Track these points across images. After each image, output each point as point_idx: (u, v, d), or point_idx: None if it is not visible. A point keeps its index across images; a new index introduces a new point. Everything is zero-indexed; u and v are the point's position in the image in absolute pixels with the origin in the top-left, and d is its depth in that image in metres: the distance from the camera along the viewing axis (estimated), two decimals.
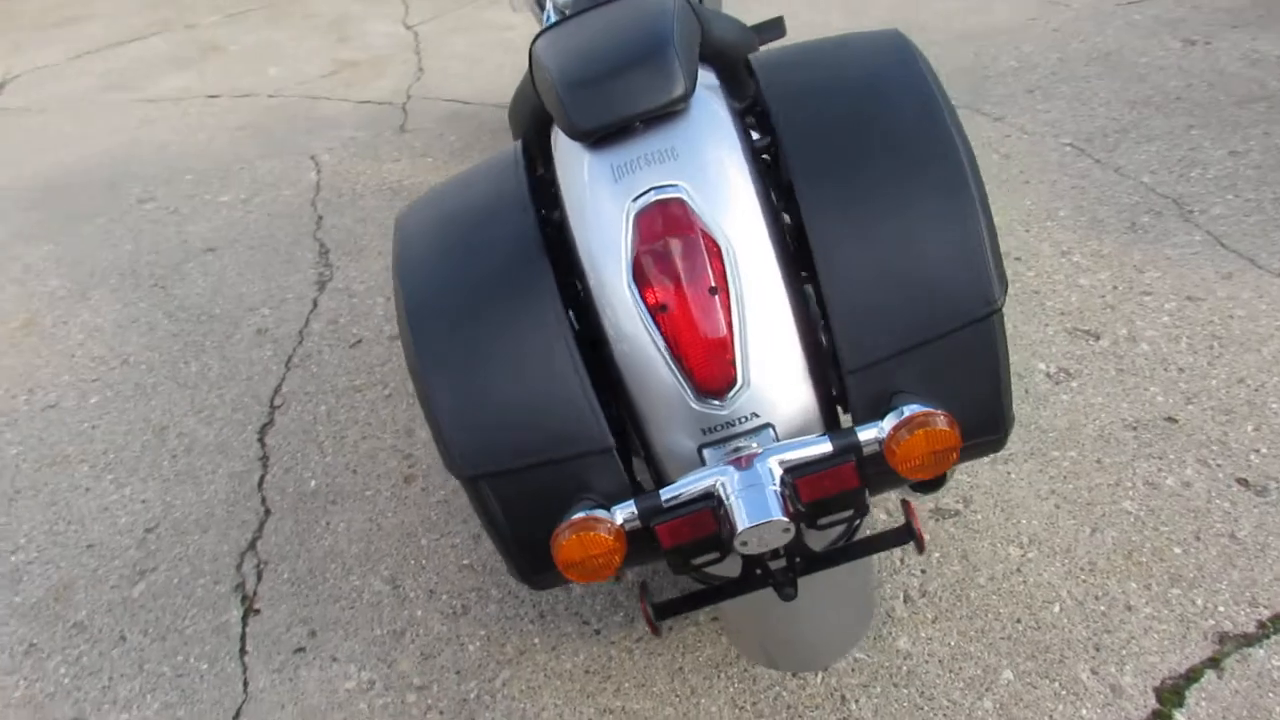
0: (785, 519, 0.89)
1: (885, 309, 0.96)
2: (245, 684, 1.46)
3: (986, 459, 1.67)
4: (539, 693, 1.40)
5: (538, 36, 1.17)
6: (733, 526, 0.89)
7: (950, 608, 1.44)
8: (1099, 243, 2.20)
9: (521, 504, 0.99)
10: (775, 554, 0.99)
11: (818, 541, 1.04)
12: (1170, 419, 1.71)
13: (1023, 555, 1.50)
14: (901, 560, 1.51)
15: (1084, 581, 1.45)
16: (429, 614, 1.53)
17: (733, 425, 0.98)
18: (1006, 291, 0.99)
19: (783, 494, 0.91)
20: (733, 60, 1.32)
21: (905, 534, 0.97)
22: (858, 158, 1.01)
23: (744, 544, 0.90)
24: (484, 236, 1.07)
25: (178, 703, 1.45)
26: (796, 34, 3.62)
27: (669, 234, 0.96)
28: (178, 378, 2.15)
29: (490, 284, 1.03)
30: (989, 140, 2.68)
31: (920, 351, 0.96)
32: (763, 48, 2.52)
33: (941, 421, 0.91)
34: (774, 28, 2.40)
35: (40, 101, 3.92)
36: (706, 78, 1.16)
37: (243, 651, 1.51)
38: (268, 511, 1.77)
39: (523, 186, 1.11)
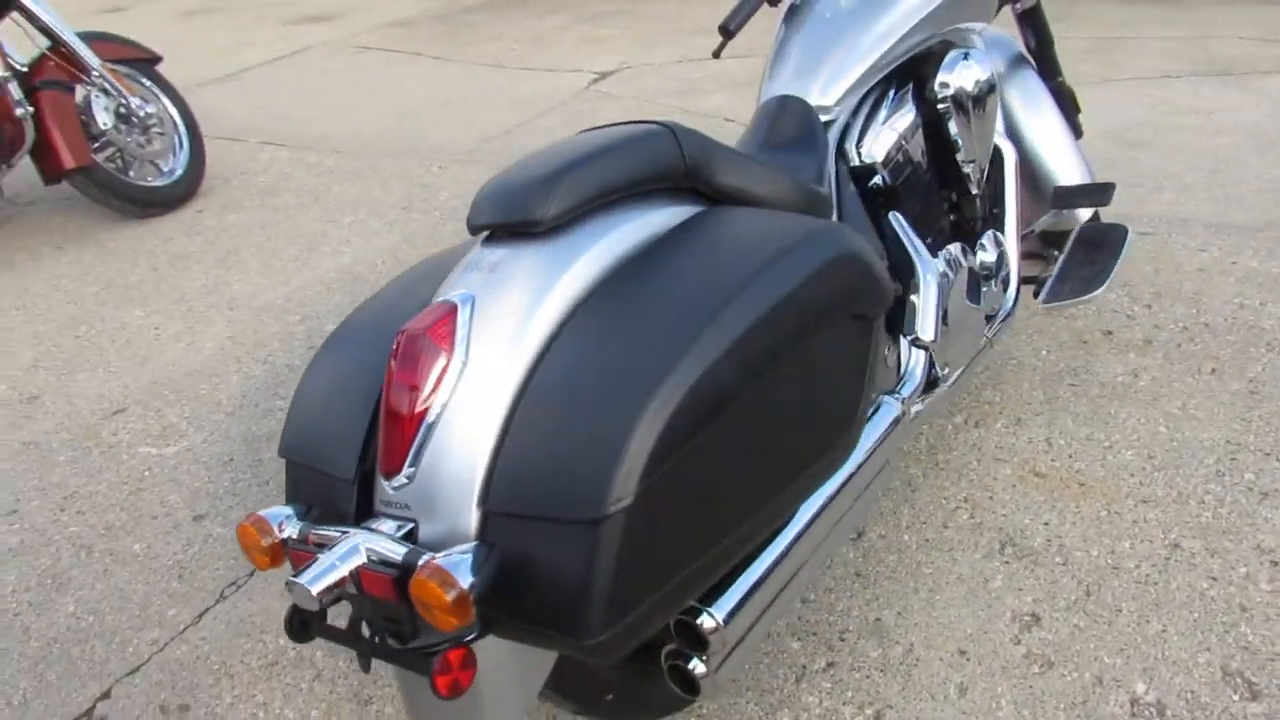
0: (310, 590, 0.99)
1: (525, 467, 0.99)
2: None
3: None
4: None
5: None
6: None
7: None
8: None
9: (295, 494, 1.21)
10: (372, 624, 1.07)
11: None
12: None
13: None
14: None
15: None
16: None
17: (389, 506, 1.08)
18: (635, 505, 0.94)
19: (348, 576, 1.01)
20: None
21: (424, 664, 0.99)
22: (619, 327, 1.05)
23: (290, 590, 1.02)
24: (414, 292, 1.31)
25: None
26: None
27: (415, 328, 1.08)
28: None
29: (375, 327, 1.26)
30: None
31: (534, 522, 0.98)
32: (1076, 211, 2.11)
33: (452, 589, 0.92)
34: (1094, 193, 2.03)
35: (627, 91, 4.76)
36: (643, 214, 1.22)
37: None
38: None
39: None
